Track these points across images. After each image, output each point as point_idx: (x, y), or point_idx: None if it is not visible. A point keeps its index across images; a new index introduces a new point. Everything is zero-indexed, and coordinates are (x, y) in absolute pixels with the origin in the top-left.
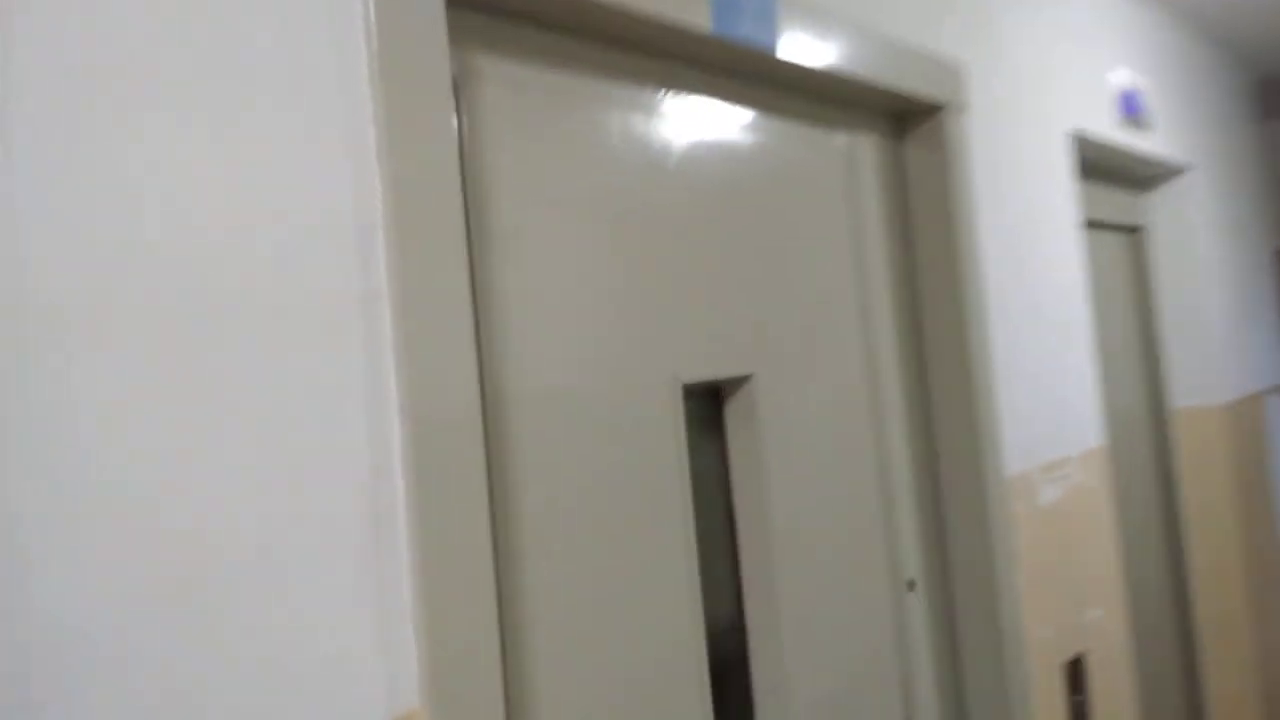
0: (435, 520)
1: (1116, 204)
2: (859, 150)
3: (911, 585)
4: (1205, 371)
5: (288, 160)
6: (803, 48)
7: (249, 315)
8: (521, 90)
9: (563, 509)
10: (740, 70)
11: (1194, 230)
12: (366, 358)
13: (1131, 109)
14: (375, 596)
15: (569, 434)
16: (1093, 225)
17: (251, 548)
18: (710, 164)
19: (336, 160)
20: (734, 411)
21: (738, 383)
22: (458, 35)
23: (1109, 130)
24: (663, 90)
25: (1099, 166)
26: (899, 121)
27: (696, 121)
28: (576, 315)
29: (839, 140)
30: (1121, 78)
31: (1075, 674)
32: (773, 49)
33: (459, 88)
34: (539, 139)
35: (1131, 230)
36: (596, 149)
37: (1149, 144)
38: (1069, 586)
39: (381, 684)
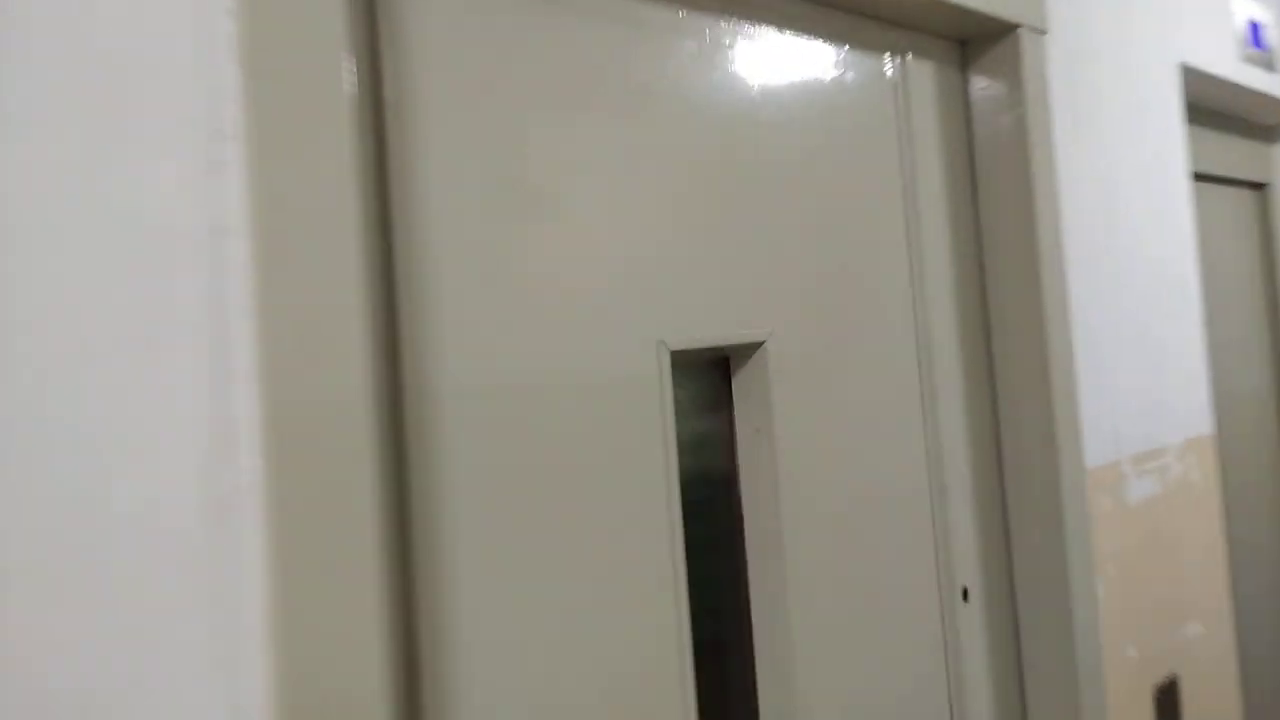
0: (297, 513)
1: (1237, 155)
2: (914, 80)
3: (965, 595)
4: None
5: (111, 43)
6: None
7: (44, 241)
8: None
9: (506, 508)
10: None
11: None
12: (209, 310)
13: (1259, 42)
14: (209, 606)
15: (514, 412)
16: (1206, 179)
17: (40, 534)
18: (721, 92)
19: (180, 47)
20: (743, 384)
21: (748, 350)
22: None
23: (1229, 66)
24: None
25: (1216, 110)
26: (963, 46)
27: (704, 39)
28: (532, 268)
29: (889, 67)
30: (1246, 4)
31: (1167, 700)
32: None
33: None
34: (489, 46)
35: (1255, 186)
36: (566, 64)
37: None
38: (1163, 597)
39: (218, 717)
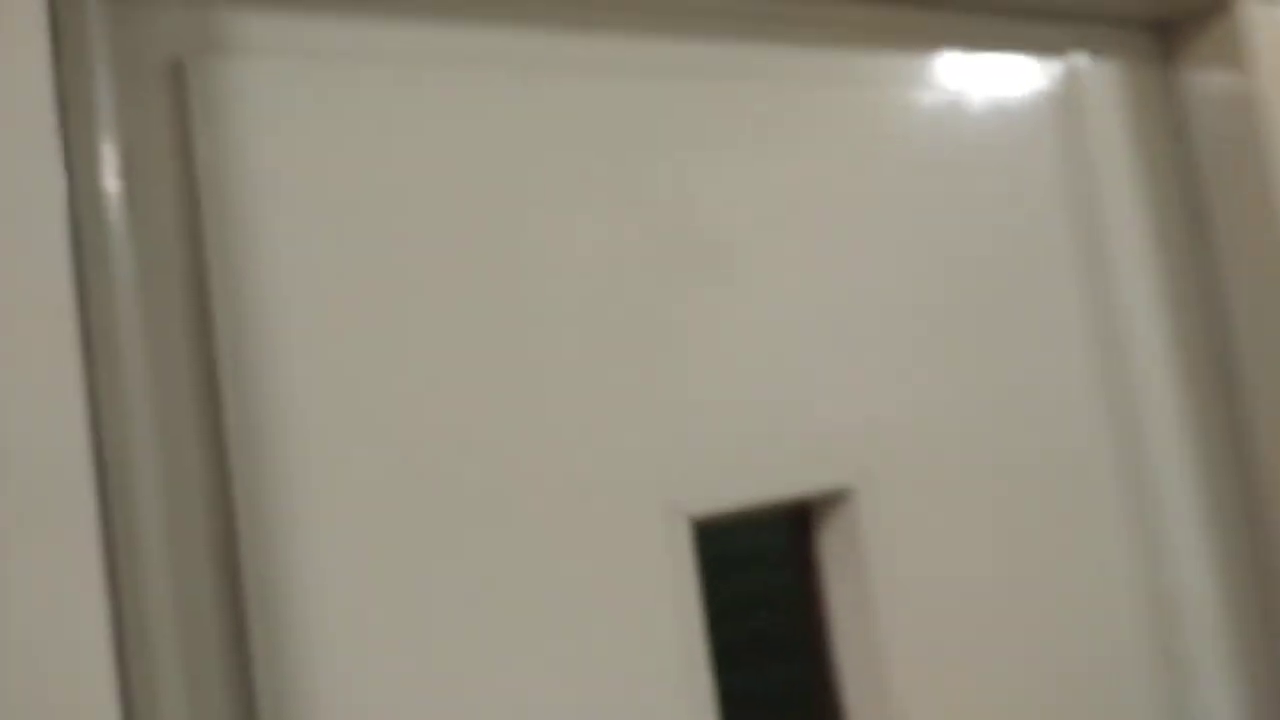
0: None
1: None
2: (1090, 85)
3: None
4: None
5: None
6: None
7: None
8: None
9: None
10: None
11: None
12: None
13: None
14: None
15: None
16: None
17: None
18: (824, 131)
19: None
20: (830, 547)
21: (830, 501)
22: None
23: None
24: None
25: None
26: (1163, 31)
27: (818, 78)
28: (458, 399)
29: (1053, 71)
30: None
31: None
32: None
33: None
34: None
35: None
36: (405, 132)
37: None
38: None
39: None
